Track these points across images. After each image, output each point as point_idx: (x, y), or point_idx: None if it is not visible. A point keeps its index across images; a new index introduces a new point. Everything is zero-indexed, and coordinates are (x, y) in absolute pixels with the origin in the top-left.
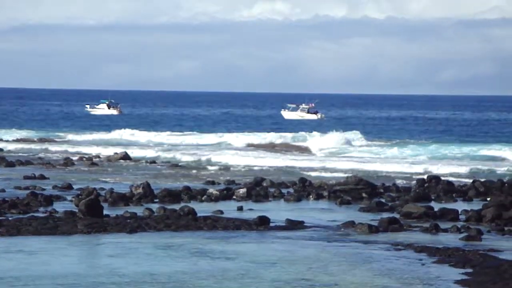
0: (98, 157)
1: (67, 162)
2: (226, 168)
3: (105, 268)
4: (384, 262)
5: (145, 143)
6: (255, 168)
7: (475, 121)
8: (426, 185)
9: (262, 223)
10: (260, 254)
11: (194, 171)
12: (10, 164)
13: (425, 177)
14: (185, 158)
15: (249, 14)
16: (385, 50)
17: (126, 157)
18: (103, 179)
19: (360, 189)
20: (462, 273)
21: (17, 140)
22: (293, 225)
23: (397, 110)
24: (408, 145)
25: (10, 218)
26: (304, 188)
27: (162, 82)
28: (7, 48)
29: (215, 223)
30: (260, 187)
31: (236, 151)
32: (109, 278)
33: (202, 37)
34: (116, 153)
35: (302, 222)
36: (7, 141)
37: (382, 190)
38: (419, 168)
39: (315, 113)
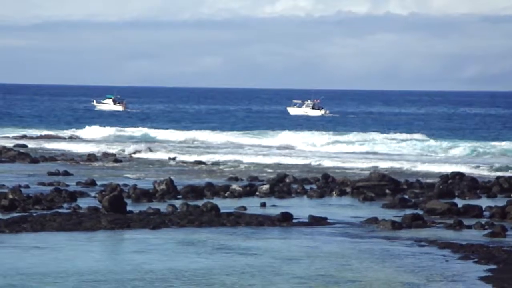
0: (122, 152)
1: (91, 158)
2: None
3: (129, 264)
4: (407, 259)
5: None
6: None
7: None
8: (449, 181)
9: (285, 219)
10: (283, 250)
11: (216, 167)
12: (34, 160)
13: (449, 173)
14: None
15: (271, 10)
16: (408, 46)
17: (149, 153)
18: (127, 175)
19: (383, 185)
20: (486, 270)
21: (42, 137)
22: (316, 221)
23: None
24: None
25: (34, 214)
26: (327, 184)
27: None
28: (28, 45)
29: (238, 219)
30: (283, 183)
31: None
32: (134, 274)
33: (224, 34)
34: (139, 150)
35: (325, 218)
36: (31, 137)
37: (405, 187)
38: None
39: (319, 109)
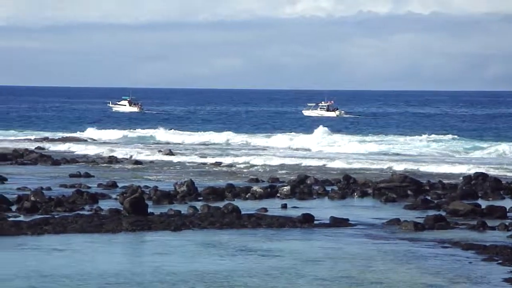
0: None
1: (112, 160)
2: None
3: (151, 266)
4: (431, 260)
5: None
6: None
7: None
8: (472, 182)
9: (306, 220)
10: (305, 252)
11: (235, 169)
12: (56, 163)
13: (472, 174)
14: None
15: (292, 11)
16: (429, 46)
17: (170, 154)
18: (147, 177)
19: (405, 187)
20: (510, 272)
21: (63, 139)
22: (338, 222)
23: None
24: None
25: (56, 216)
26: (348, 185)
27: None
28: (41, 47)
29: (259, 221)
30: (304, 185)
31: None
32: (156, 276)
33: (244, 35)
34: (160, 151)
35: (347, 219)
36: (52, 139)
37: (427, 188)
38: None
39: (334, 110)
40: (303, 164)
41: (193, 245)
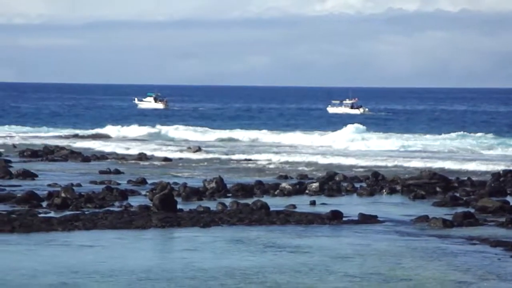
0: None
1: (141, 156)
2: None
3: (181, 262)
4: (459, 257)
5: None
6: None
7: None
8: (501, 179)
9: (335, 217)
10: (333, 248)
11: (265, 165)
12: (86, 159)
13: (500, 171)
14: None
15: (321, 8)
16: (459, 43)
17: (199, 151)
18: (177, 174)
19: (434, 183)
20: None
21: (91, 136)
22: (366, 219)
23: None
24: None
25: (86, 212)
26: (377, 182)
27: (233, 77)
28: (80, 45)
29: (288, 218)
30: (332, 182)
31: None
32: (186, 272)
33: (273, 32)
34: (189, 148)
35: (375, 216)
36: (83, 136)
37: (456, 185)
38: None
39: (359, 107)
40: (331, 162)
41: (222, 242)
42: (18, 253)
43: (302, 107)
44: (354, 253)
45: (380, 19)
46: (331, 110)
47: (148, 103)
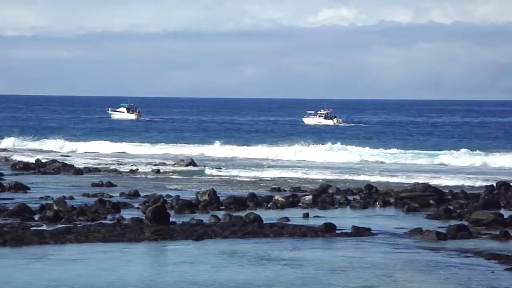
0: (164, 164)
1: (134, 169)
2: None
3: (174, 275)
4: (452, 270)
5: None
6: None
7: None
8: (495, 191)
9: (328, 230)
10: (327, 261)
11: (257, 177)
12: (78, 172)
13: (494, 184)
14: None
15: (314, 20)
16: (452, 55)
17: (192, 164)
18: (169, 186)
19: (427, 196)
20: None
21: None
22: (360, 232)
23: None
24: None
25: (78, 225)
26: (370, 195)
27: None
28: (75, 57)
29: (281, 230)
30: (326, 194)
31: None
32: (178, 285)
33: (267, 44)
34: (182, 161)
35: (369, 229)
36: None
37: (450, 197)
38: None
39: (332, 118)
40: (319, 177)
41: (216, 255)
42: (10, 267)
43: (278, 120)
44: (347, 266)
45: (373, 31)
46: (306, 120)
47: (121, 114)
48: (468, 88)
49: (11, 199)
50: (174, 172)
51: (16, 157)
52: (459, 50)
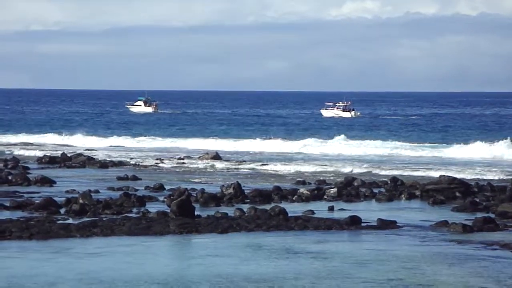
0: (189, 157)
1: (159, 162)
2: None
3: (199, 268)
4: (479, 262)
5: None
6: None
7: None
8: None
9: (354, 223)
10: (352, 254)
11: (283, 171)
12: (104, 165)
13: None
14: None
15: (338, 13)
16: (478, 47)
17: (216, 157)
18: (194, 180)
19: (453, 188)
20: None
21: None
22: (385, 225)
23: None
24: None
25: (104, 219)
26: (396, 187)
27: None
28: (99, 51)
29: (306, 223)
30: (351, 187)
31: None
32: (203, 278)
33: (291, 37)
34: (207, 154)
35: (394, 221)
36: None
37: (476, 190)
38: None
39: (350, 111)
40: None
41: (240, 248)
42: (37, 260)
43: (295, 112)
44: (373, 259)
45: (398, 23)
46: (324, 112)
47: (139, 107)
48: (494, 81)
49: (37, 192)
50: (198, 165)
51: (37, 153)
52: (486, 43)
